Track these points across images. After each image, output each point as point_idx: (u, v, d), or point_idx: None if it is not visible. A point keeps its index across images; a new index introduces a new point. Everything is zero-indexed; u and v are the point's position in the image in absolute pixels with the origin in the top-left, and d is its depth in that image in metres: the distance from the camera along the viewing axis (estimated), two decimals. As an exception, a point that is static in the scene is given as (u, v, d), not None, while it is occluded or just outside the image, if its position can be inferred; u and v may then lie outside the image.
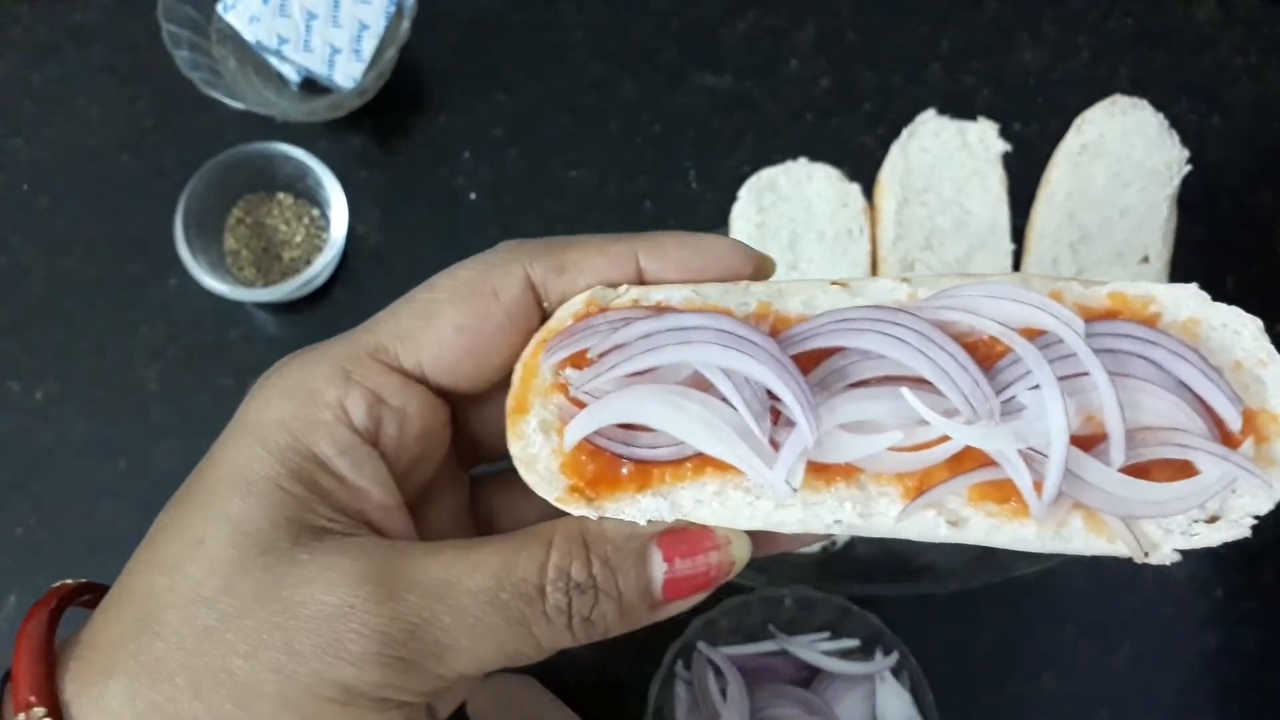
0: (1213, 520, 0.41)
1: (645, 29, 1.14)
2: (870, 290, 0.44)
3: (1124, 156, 0.92)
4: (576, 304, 0.45)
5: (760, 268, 0.47)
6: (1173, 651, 0.99)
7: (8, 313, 1.06)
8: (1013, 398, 0.41)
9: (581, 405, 0.44)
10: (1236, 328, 0.42)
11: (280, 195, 1.08)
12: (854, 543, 0.94)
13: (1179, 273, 0.92)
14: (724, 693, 0.88)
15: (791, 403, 0.41)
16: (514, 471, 0.45)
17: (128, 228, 1.08)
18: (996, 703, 0.97)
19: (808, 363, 0.43)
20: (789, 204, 0.96)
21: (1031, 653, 0.97)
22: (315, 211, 1.07)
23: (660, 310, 0.44)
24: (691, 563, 0.44)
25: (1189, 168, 0.92)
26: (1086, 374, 0.40)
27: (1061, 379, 0.40)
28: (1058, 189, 0.93)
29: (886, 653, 0.90)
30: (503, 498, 0.54)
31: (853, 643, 0.91)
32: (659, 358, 0.42)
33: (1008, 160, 0.95)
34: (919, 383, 0.42)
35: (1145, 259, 0.91)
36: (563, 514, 0.44)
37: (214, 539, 0.41)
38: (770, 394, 0.42)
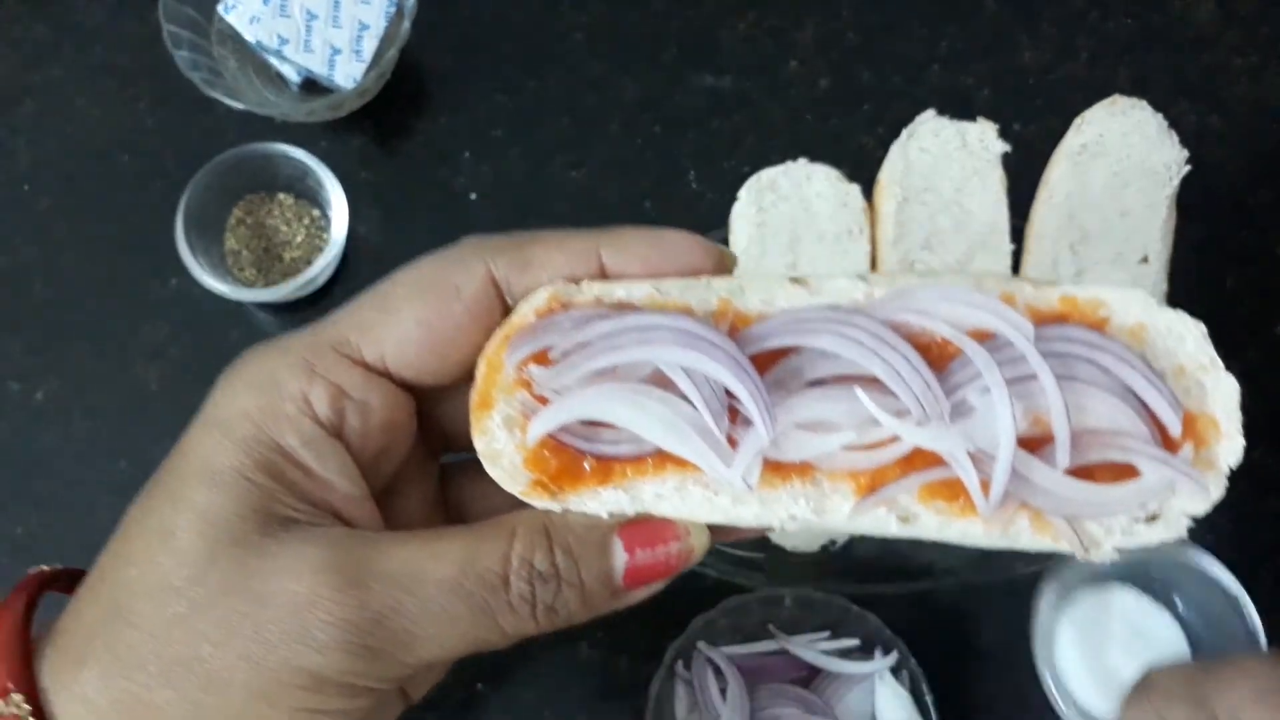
0: (1152, 520, 0.43)
1: (645, 29, 1.14)
2: (828, 288, 0.45)
3: (1123, 157, 0.92)
4: (539, 300, 0.46)
5: (721, 262, 0.48)
6: (1172, 651, 0.99)
7: (8, 313, 1.06)
8: (964, 399, 0.42)
9: (545, 401, 0.45)
10: (1181, 333, 0.43)
11: (281, 196, 1.08)
12: (853, 543, 0.95)
13: (1178, 273, 0.92)
14: (724, 693, 0.88)
15: (748, 402, 0.42)
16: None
17: (128, 228, 1.08)
18: (996, 703, 0.97)
19: (766, 361, 0.44)
20: (789, 204, 0.96)
21: (1031, 652, 0.97)
22: (316, 212, 1.08)
23: (622, 308, 0.45)
24: (652, 553, 0.45)
25: (1188, 168, 0.92)
26: (1035, 377, 0.42)
27: (1010, 381, 0.42)
28: (1057, 189, 0.93)
29: (886, 652, 0.90)
30: (472, 486, 0.55)
31: (852, 642, 0.91)
32: (620, 356, 0.44)
33: (1007, 160, 0.95)
34: (873, 382, 0.43)
35: (1145, 259, 0.92)
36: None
37: (183, 530, 0.42)
38: (729, 392, 0.43)
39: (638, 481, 0.45)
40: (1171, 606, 0.82)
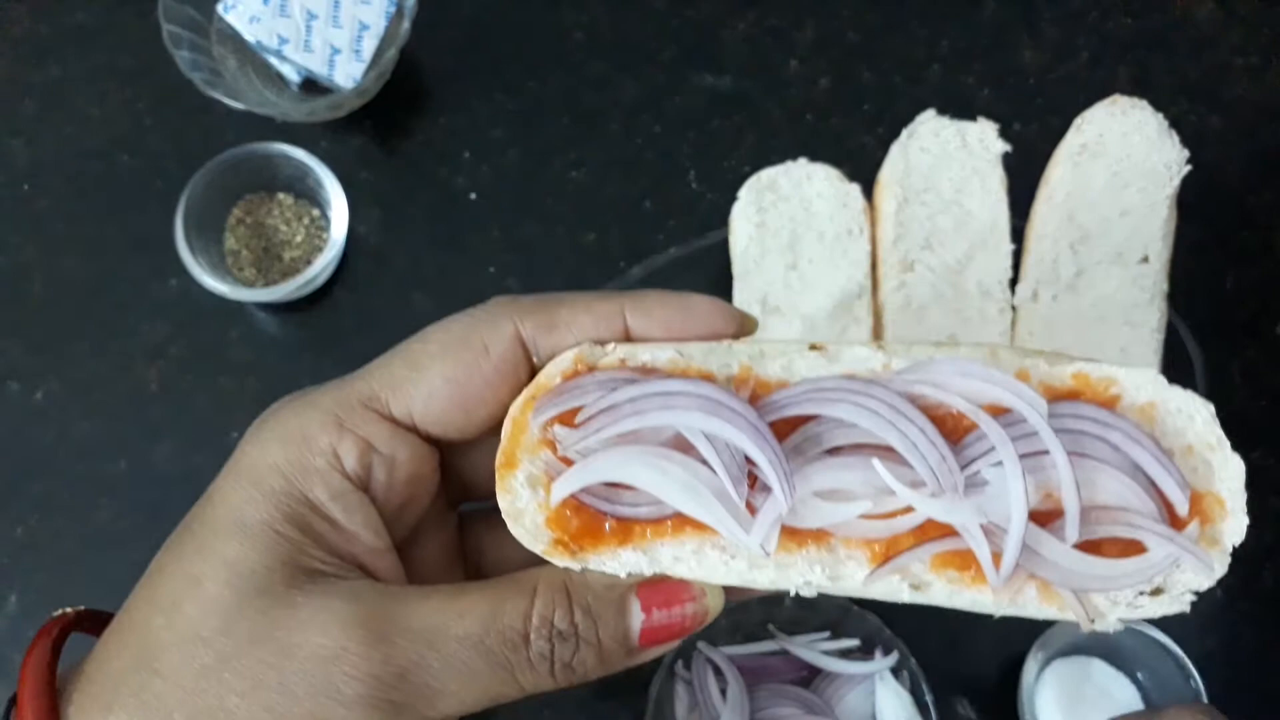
0: (1156, 593, 0.44)
1: (645, 29, 1.14)
2: (846, 356, 0.46)
3: (1123, 157, 0.92)
4: (565, 361, 0.47)
5: (743, 325, 0.49)
6: (1172, 651, 0.99)
7: (8, 313, 1.06)
8: (977, 472, 0.44)
9: (568, 462, 0.46)
10: (1190, 412, 0.45)
11: (280, 195, 1.08)
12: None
13: (1178, 272, 0.92)
14: (724, 693, 0.88)
15: (768, 470, 0.43)
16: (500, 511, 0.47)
17: (128, 228, 1.08)
18: (996, 702, 0.97)
19: (785, 428, 0.45)
20: (789, 204, 0.96)
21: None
22: (315, 212, 1.07)
23: (646, 372, 0.46)
24: (668, 613, 0.46)
25: (1188, 168, 0.92)
26: (1047, 452, 0.43)
27: (1023, 456, 0.43)
28: (1057, 189, 0.93)
29: (886, 652, 0.90)
30: (490, 535, 0.56)
31: (852, 642, 0.91)
32: (644, 420, 0.45)
33: (1007, 160, 0.95)
34: (889, 452, 0.44)
35: (1145, 259, 0.91)
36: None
37: (211, 580, 0.43)
38: (748, 459, 0.44)
39: (656, 543, 0.46)
40: (1133, 675, 0.95)
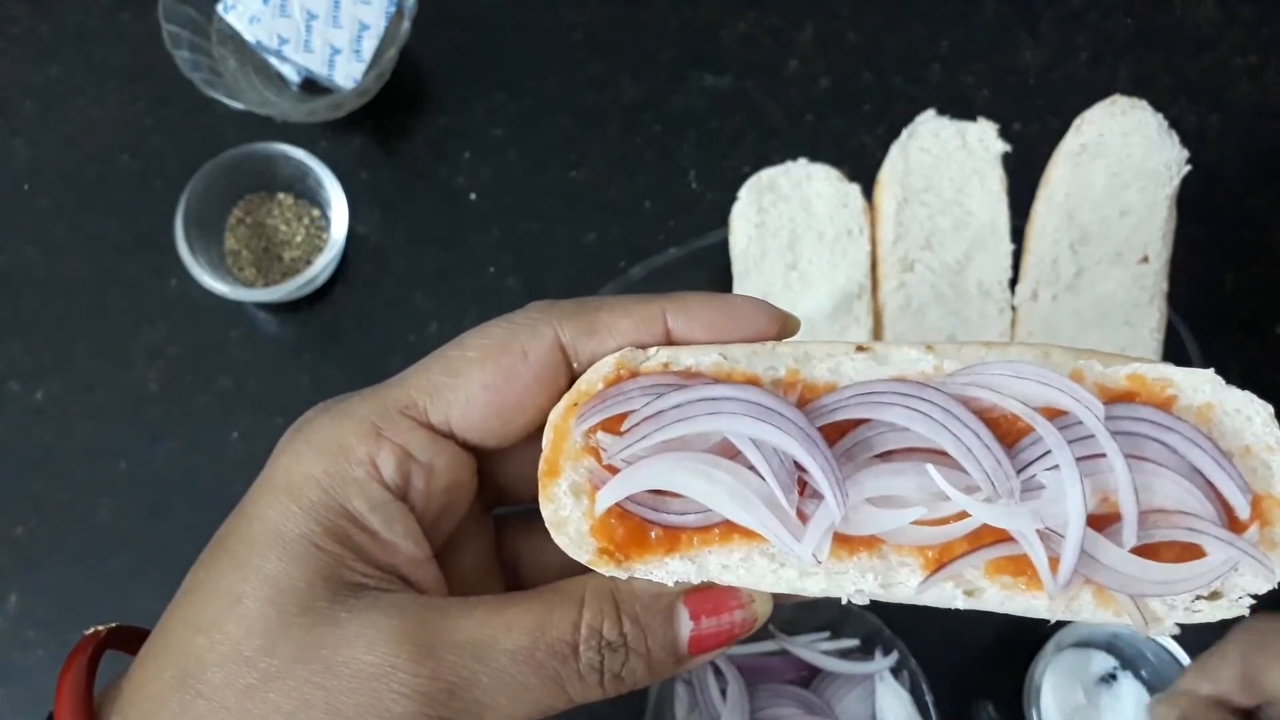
0: (1214, 597, 0.43)
1: (645, 29, 1.14)
2: (895, 358, 0.45)
3: (1123, 157, 0.92)
4: (607, 367, 0.46)
5: (785, 326, 0.48)
6: (1172, 651, 0.99)
7: (8, 313, 1.06)
8: (1032, 476, 0.43)
9: (613, 470, 0.44)
10: (1249, 414, 0.44)
11: (281, 195, 1.08)
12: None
13: (1178, 272, 0.92)
14: (724, 693, 0.88)
15: (819, 477, 0.42)
16: (538, 514, 0.46)
17: (128, 228, 1.08)
18: (996, 703, 0.97)
19: (833, 432, 0.44)
20: (789, 204, 0.96)
21: (1031, 652, 0.97)
22: (315, 212, 1.08)
23: (690, 376, 0.45)
24: (717, 621, 0.45)
25: (1188, 168, 0.92)
26: (1104, 455, 0.42)
27: (1080, 460, 0.42)
28: (1057, 189, 0.93)
29: (886, 652, 0.90)
30: (527, 540, 0.55)
31: (852, 642, 0.91)
32: (690, 427, 0.44)
33: (1007, 160, 0.95)
34: (940, 455, 0.43)
35: (1145, 259, 0.91)
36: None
37: (252, 597, 0.42)
38: (798, 465, 0.43)
39: (704, 551, 0.44)
40: (1136, 670, 0.95)
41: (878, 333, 0.94)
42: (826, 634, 0.92)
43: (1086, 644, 0.96)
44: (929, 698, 0.88)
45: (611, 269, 1.06)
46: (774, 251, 0.96)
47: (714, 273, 1.01)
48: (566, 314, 0.47)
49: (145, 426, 1.03)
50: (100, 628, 0.47)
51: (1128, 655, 0.95)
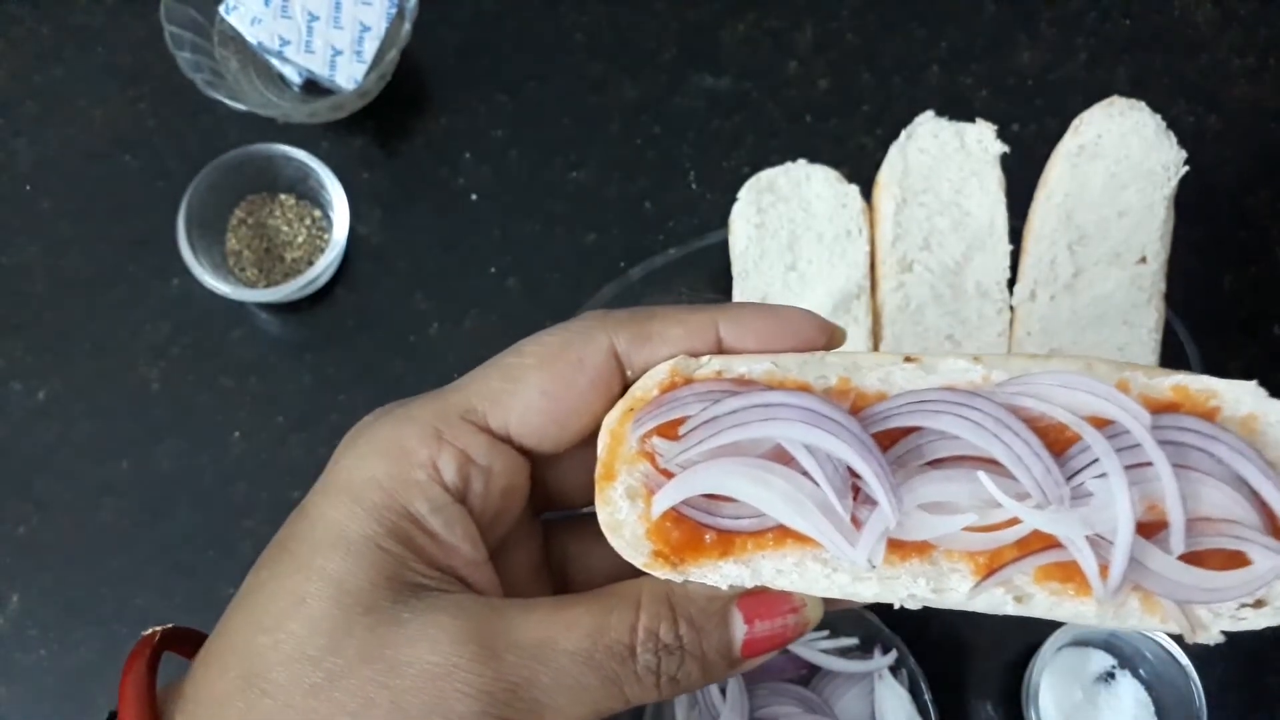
0: (1259, 605, 0.44)
1: (645, 31, 1.15)
2: (943, 368, 0.46)
3: (1121, 157, 0.93)
4: (661, 373, 0.47)
5: (833, 337, 0.49)
6: (1170, 650, 0.99)
7: (10, 313, 1.06)
8: (1081, 484, 0.43)
9: (668, 475, 0.45)
10: None
11: (282, 196, 1.08)
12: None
13: (1177, 273, 0.93)
14: (724, 691, 0.89)
15: (874, 483, 0.43)
16: (586, 518, 0.47)
17: (130, 228, 1.08)
18: (995, 702, 0.97)
19: (884, 440, 0.45)
20: (788, 205, 0.97)
21: (1029, 651, 0.97)
22: (317, 212, 1.08)
23: (743, 383, 0.46)
24: (770, 624, 0.46)
25: (1186, 169, 0.92)
26: (1150, 464, 0.43)
27: (1127, 468, 0.43)
28: (1055, 190, 0.94)
29: (885, 651, 0.90)
30: (575, 544, 0.56)
31: (851, 641, 0.92)
32: (746, 433, 0.44)
33: (1006, 161, 0.95)
34: (990, 464, 0.44)
35: (1143, 259, 0.92)
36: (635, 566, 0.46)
37: (316, 597, 0.43)
38: (851, 471, 0.44)
39: (758, 555, 0.45)
40: (1134, 669, 0.96)
41: (877, 333, 0.95)
42: (825, 632, 0.93)
43: (1085, 643, 0.96)
44: (928, 696, 0.88)
45: (612, 269, 1.07)
46: (773, 252, 0.96)
47: (714, 273, 1.02)
48: (620, 323, 0.48)
49: (147, 426, 1.03)
50: (156, 629, 0.47)
51: (1126, 654, 0.96)
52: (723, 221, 0.99)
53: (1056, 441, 0.44)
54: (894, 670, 0.90)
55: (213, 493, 1.01)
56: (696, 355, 0.47)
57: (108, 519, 1.01)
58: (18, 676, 0.97)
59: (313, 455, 1.02)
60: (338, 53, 1.05)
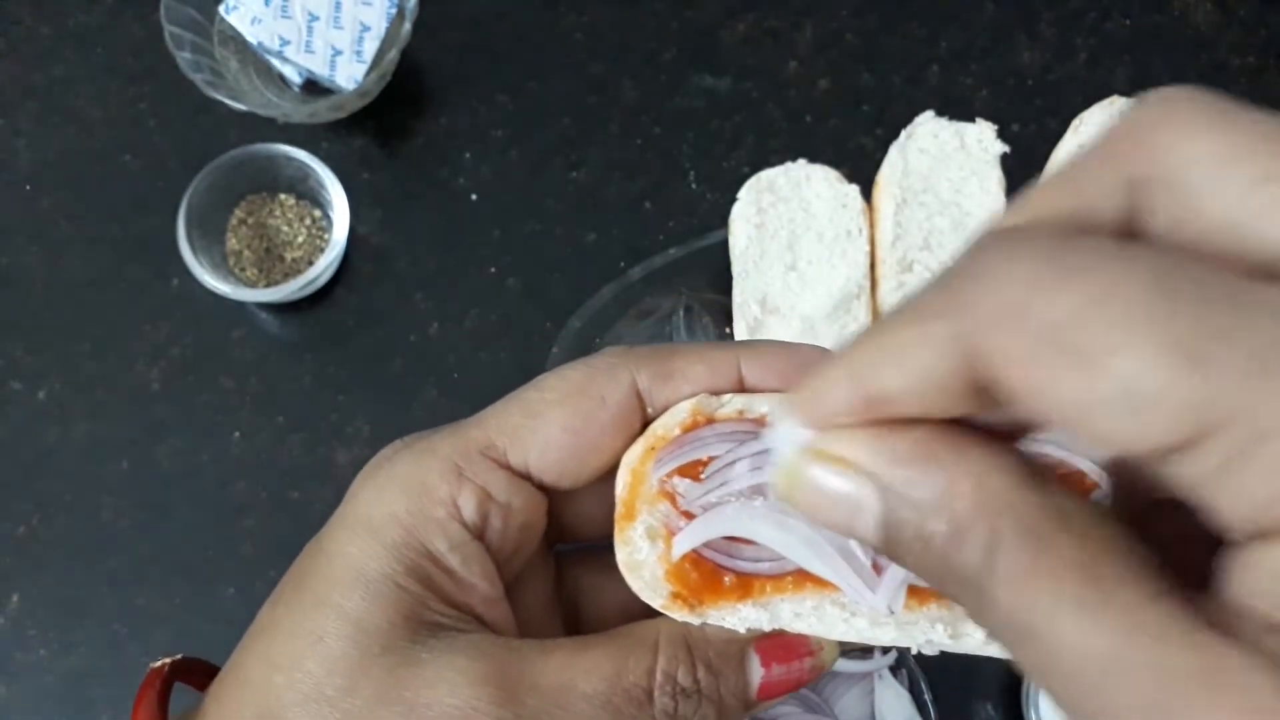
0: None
1: (645, 31, 1.15)
2: None
3: (1122, 157, 0.93)
4: (683, 413, 0.46)
5: None
6: (1170, 650, 0.99)
7: (10, 313, 1.06)
8: None
9: (690, 516, 0.45)
10: None
11: (282, 196, 1.08)
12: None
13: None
14: (723, 691, 0.89)
15: None
16: (599, 551, 0.47)
17: (130, 228, 1.08)
18: (995, 702, 0.97)
19: None
20: (788, 205, 0.97)
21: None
22: (317, 212, 1.08)
23: (764, 424, 0.46)
24: (787, 668, 0.45)
25: (1186, 169, 0.92)
26: None
27: None
28: (1056, 190, 0.94)
29: (885, 651, 0.90)
30: (589, 577, 0.55)
31: (851, 641, 0.92)
32: (769, 476, 0.44)
33: (1006, 161, 0.95)
34: None
35: (1143, 259, 0.92)
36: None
37: (333, 636, 0.42)
38: None
39: (776, 599, 0.44)
40: None
41: (877, 333, 0.95)
42: (826, 633, 0.92)
43: None
44: (928, 696, 0.88)
45: (612, 269, 1.07)
46: (774, 252, 0.96)
47: (714, 273, 1.02)
48: (643, 359, 0.47)
49: (147, 426, 1.03)
50: (165, 660, 0.47)
51: None
52: (723, 221, 0.99)
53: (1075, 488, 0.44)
54: (894, 670, 0.90)
55: (213, 492, 1.01)
56: (718, 393, 0.46)
57: (108, 519, 1.01)
58: (18, 676, 0.97)
59: (313, 455, 1.02)
60: (338, 53, 1.05)
